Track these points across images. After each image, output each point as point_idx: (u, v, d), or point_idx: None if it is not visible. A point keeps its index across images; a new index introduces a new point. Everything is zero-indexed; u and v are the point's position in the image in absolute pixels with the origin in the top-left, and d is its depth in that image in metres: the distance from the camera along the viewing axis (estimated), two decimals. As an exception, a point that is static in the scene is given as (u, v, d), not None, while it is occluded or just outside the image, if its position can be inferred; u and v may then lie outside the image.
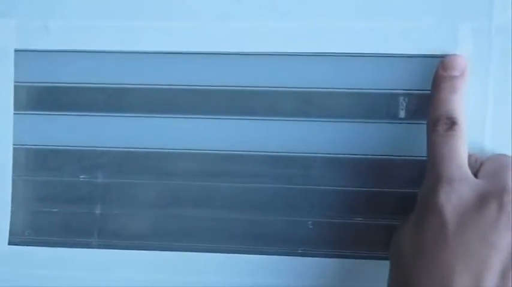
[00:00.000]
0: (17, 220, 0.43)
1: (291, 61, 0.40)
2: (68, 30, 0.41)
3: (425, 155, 0.37)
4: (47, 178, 0.42)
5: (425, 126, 0.37)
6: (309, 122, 0.40)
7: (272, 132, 0.41)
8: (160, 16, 0.41)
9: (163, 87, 0.41)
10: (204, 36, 0.41)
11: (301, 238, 0.41)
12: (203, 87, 0.41)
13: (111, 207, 0.42)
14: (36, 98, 0.42)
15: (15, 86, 0.42)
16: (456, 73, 0.38)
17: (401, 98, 0.40)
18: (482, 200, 0.34)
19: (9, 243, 0.43)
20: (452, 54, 0.38)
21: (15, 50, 0.42)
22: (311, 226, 0.41)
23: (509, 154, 0.37)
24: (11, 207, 0.43)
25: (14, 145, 0.42)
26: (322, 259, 0.41)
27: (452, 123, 0.36)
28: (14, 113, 0.42)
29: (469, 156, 0.37)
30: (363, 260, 0.40)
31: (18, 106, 0.42)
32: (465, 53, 0.38)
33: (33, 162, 0.42)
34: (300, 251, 0.41)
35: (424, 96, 0.39)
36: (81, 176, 0.42)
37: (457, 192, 0.35)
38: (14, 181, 0.43)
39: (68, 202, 0.42)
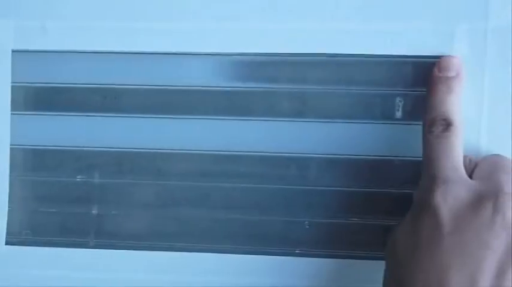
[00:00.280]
0: (14, 220, 0.43)
1: (287, 62, 0.40)
2: (66, 31, 0.41)
3: (421, 155, 0.37)
4: (44, 178, 0.42)
5: (421, 126, 0.38)
6: (305, 122, 0.40)
7: (269, 132, 0.41)
8: (157, 17, 0.41)
9: (160, 87, 0.41)
10: (201, 37, 0.41)
11: (297, 238, 0.41)
12: (200, 87, 0.41)
13: (108, 207, 0.42)
14: (34, 99, 0.42)
15: (12, 86, 0.42)
16: (452, 74, 0.38)
17: (397, 99, 0.40)
18: (477, 201, 0.34)
19: (7, 243, 0.43)
20: (447, 55, 0.38)
21: (13, 51, 0.42)
22: (308, 226, 0.41)
23: (505, 155, 0.37)
24: (8, 207, 0.43)
25: (11, 145, 0.42)
26: (319, 259, 0.41)
27: (447, 124, 0.36)
28: (12, 114, 0.42)
29: (463, 157, 0.37)
30: (359, 260, 0.40)
31: (16, 106, 0.42)
32: (461, 54, 0.39)
33: (30, 162, 0.43)
34: (296, 251, 0.41)
35: (420, 96, 0.39)
36: (78, 177, 0.42)
37: (452, 193, 0.35)
38: (11, 181, 0.43)
39: (65, 202, 0.42)
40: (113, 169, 0.42)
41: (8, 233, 0.43)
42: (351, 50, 0.40)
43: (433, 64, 0.38)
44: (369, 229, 0.40)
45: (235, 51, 0.41)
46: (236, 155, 0.41)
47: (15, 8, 0.42)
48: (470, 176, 0.36)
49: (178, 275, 0.42)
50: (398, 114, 0.40)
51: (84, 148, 0.42)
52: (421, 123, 0.38)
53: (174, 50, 0.41)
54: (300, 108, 0.40)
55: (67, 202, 0.42)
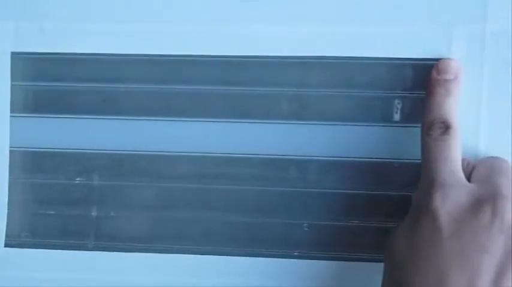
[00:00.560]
0: (13, 222, 0.43)
1: (287, 65, 0.40)
2: (65, 33, 0.41)
3: (420, 158, 0.37)
4: (43, 180, 0.42)
5: (420, 129, 0.38)
6: (304, 125, 0.40)
7: (268, 135, 0.41)
8: (157, 19, 0.41)
9: (159, 90, 0.41)
10: (200, 40, 0.41)
11: (297, 240, 0.41)
12: (199, 90, 0.41)
13: (107, 209, 0.42)
14: (33, 101, 0.42)
15: (11, 88, 0.42)
16: (450, 77, 0.38)
17: (396, 101, 0.40)
18: (476, 205, 0.34)
19: (6, 245, 0.43)
20: (446, 58, 0.38)
21: (12, 53, 0.42)
22: (307, 229, 0.41)
23: (504, 158, 0.38)
24: (8, 209, 0.43)
25: (10, 147, 0.42)
26: (318, 261, 0.41)
27: (446, 127, 0.36)
28: (11, 116, 0.42)
29: (462, 160, 0.37)
30: (358, 263, 0.40)
31: (15, 109, 0.42)
32: (459, 57, 0.39)
33: (29, 164, 0.43)
34: (295, 253, 0.41)
35: (418, 99, 0.39)
36: (77, 179, 0.42)
37: (451, 197, 0.35)
38: (10, 184, 0.43)
39: (64, 204, 0.42)
40: (112, 171, 0.42)
41: (7, 236, 0.43)
42: (350, 52, 0.40)
43: (431, 67, 0.38)
44: (369, 231, 0.40)
45: (235, 54, 0.41)
46: (236, 157, 0.41)
47: (14, 10, 0.42)
48: (469, 179, 0.36)
49: (177, 277, 0.42)
50: (397, 116, 0.40)
51: (83, 150, 0.42)
52: (419, 125, 0.38)
53: (172, 53, 0.41)
54: (299, 111, 0.40)
55: (66, 204, 0.42)
